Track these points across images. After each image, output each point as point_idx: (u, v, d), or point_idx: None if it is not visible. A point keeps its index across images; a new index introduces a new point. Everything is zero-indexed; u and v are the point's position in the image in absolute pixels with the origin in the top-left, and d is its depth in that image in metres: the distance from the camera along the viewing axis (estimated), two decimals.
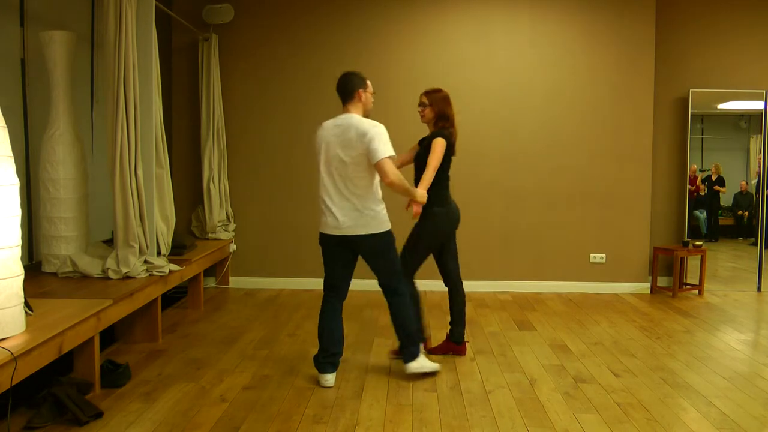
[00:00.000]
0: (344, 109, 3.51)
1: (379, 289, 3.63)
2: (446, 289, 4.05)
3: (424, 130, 4.06)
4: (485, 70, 6.05)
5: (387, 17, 6.04)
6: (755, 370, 3.83)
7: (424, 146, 3.85)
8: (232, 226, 6.07)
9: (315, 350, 4.06)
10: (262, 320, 4.87)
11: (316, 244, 3.63)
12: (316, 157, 3.51)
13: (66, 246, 4.12)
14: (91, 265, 4.03)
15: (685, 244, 6.08)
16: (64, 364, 3.32)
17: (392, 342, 4.35)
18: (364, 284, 6.11)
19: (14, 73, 4.16)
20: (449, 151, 3.81)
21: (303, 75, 6.02)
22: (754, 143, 6.60)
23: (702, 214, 6.78)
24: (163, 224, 4.55)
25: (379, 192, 3.50)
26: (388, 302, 3.63)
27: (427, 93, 3.93)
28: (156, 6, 4.38)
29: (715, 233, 6.87)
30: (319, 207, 3.51)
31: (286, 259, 6.09)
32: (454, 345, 4.04)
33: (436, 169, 3.72)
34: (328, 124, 3.49)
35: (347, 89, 3.49)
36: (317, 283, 6.00)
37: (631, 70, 6.04)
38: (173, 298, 5.45)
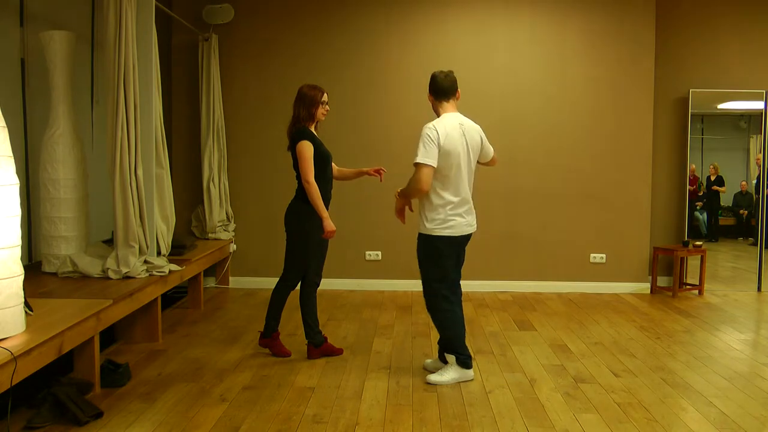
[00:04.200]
0: (446, 108, 3.54)
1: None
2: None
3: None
4: (485, 70, 6.05)
5: (387, 17, 6.04)
6: (755, 370, 3.83)
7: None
8: (232, 226, 6.07)
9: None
10: (262, 320, 4.85)
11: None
12: (447, 158, 3.42)
13: (66, 246, 4.12)
14: (91, 265, 4.03)
15: (685, 244, 6.08)
16: (64, 364, 3.31)
17: (392, 341, 4.36)
18: (363, 284, 6.14)
19: (14, 73, 4.17)
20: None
21: (303, 75, 6.00)
22: (754, 143, 6.60)
23: (702, 215, 6.79)
24: (163, 224, 4.55)
25: None
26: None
27: None
28: (156, 6, 4.38)
29: (715, 233, 6.88)
30: (455, 211, 3.49)
31: None
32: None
33: None
34: (454, 124, 3.48)
35: (455, 87, 3.56)
36: None
37: (631, 70, 6.03)
38: (173, 298, 5.45)
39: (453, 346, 3.57)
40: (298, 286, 3.97)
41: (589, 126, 6.07)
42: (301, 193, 3.85)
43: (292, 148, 3.81)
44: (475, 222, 3.65)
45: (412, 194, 3.54)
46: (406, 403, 3.24)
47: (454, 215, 3.49)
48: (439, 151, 3.38)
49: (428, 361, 3.81)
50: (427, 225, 3.50)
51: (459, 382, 3.54)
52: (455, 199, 3.49)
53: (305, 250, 3.86)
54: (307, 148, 3.72)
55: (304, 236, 3.84)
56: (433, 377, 3.54)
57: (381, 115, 6.05)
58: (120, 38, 3.93)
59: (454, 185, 3.47)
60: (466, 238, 3.62)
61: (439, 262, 3.55)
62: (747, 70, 6.25)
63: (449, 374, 3.55)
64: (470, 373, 3.59)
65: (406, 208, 3.67)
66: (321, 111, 3.85)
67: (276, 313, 3.96)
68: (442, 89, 3.53)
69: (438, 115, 3.54)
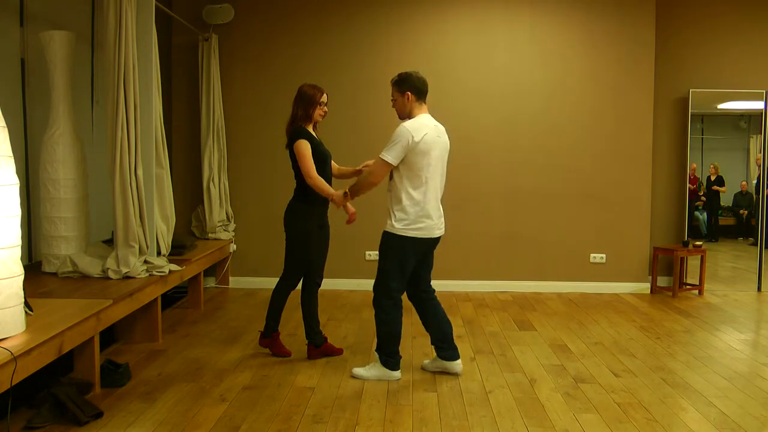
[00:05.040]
0: (423, 108, 3.54)
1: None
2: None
3: None
4: (485, 69, 6.05)
5: (387, 17, 6.04)
6: (755, 370, 3.83)
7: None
8: (232, 226, 6.07)
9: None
10: (262, 320, 4.85)
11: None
12: (423, 158, 3.42)
13: (66, 246, 4.12)
14: (91, 265, 4.03)
15: (685, 244, 6.08)
16: (64, 364, 3.31)
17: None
18: (363, 284, 6.14)
19: (14, 73, 4.17)
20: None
21: (303, 74, 5.99)
22: (754, 143, 6.60)
23: (702, 215, 6.79)
24: (163, 224, 4.55)
25: None
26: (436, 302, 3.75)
27: None
28: (156, 6, 4.38)
29: (715, 233, 6.88)
30: (425, 212, 3.46)
31: None
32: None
33: None
34: (430, 125, 3.48)
35: (426, 89, 3.56)
36: None
37: (631, 70, 6.03)
38: (173, 298, 5.45)
39: (385, 345, 3.59)
40: (299, 286, 3.97)
41: (589, 126, 6.07)
42: (300, 192, 3.84)
43: (290, 147, 3.80)
44: (443, 225, 3.62)
45: (364, 187, 3.57)
46: (406, 403, 3.24)
47: (423, 217, 3.46)
48: (414, 150, 3.38)
49: (426, 362, 3.81)
50: (396, 224, 3.46)
51: (384, 380, 3.58)
52: (426, 200, 3.46)
53: (305, 250, 3.85)
54: (304, 146, 3.71)
55: (303, 236, 3.83)
56: (358, 370, 3.61)
57: (381, 115, 6.03)
58: (120, 38, 3.93)
59: (426, 186, 3.45)
60: (435, 241, 3.59)
61: (401, 263, 3.52)
62: (747, 70, 6.25)
63: (374, 371, 3.60)
64: (395, 374, 3.60)
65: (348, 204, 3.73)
66: (318, 112, 3.83)
67: (276, 313, 3.96)
68: (422, 90, 3.52)
69: (411, 115, 3.51)
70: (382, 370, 3.59)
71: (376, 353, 3.68)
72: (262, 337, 4.02)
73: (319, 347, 3.95)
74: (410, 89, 3.49)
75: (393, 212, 3.49)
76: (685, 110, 6.26)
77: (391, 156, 3.39)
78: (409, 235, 3.46)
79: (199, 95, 5.92)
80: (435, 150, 3.45)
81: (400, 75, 3.54)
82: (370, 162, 3.82)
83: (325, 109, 3.87)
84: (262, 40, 6.06)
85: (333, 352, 4.00)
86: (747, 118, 6.66)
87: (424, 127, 3.43)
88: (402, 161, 3.41)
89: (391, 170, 3.47)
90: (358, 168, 3.99)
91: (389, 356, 3.59)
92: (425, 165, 3.42)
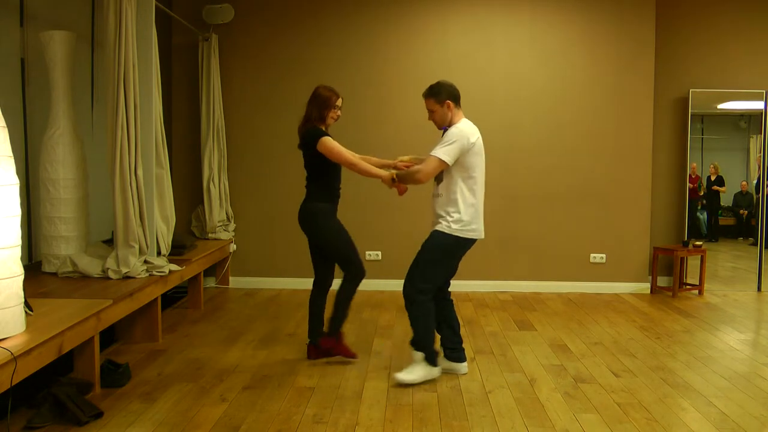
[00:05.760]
0: (461, 113, 3.59)
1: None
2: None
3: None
4: (485, 69, 6.05)
5: (387, 17, 6.04)
6: (755, 370, 3.83)
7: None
8: (232, 226, 6.07)
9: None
10: (262, 320, 4.87)
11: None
12: (477, 159, 3.49)
13: (66, 246, 4.11)
14: (91, 265, 4.03)
15: (685, 244, 6.08)
16: (64, 364, 3.32)
17: (392, 341, 4.36)
18: (363, 284, 6.13)
19: (14, 73, 4.16)
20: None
21: (303, 74, 6.02)
22: (754, 143, 6.60)
23: (702, 215, 6.79)
24: (163, 224, 4.55)
25: None
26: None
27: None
28: (156, 6, 4.38)
29: (715, 233, 6.88)
30: (477, 214, 3.52)
31: (286, 259, 6.08)
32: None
33: None
34: (474, 128, 3.55)
35: (459, 93, 3.59)
36: None
37: (631, 70, 6.04)
38: (173, 298, 5.45)
39: (426, 341, 3.57)
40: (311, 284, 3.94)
41: (589, 126, 6.07)
42: (314, 190, 3.81)
43: (305, 147, 3.76)
44: None
45: (411, 182, 3.57)
46: (406, 403, 3.24)
47: (477, 218, 3.52)
48: (471, 152, 3.44)
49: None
50: (453, 225, 3.47)
51: (429, 379, 3.55)
52: (478, 202, 3.53)
53: (343, 241, 3.83)
54: (330, 141, 3.68)
55: (334, 231, 3.82)
56: (402, 375, 3.51)
57: (380, 115, 6.04)
58: (120, 38, 3.93)
59: (478, 187, 3.52)
60: (473, 243, 3.64)
61: (446, 263, 3.58)
62: (747, 70, 6.25)
63: (418, 371, 3.54)
64: (436, 370, 3.59)
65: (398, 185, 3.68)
66: (332, 114, 3.80)
67: (341, 314, 3.90)
68: (458, 95, 3.57)
69: (453, 122, 3.53)
70: (427, 368, 3.56)
71: (415, 353, 3.58)
72: (325, 338, 3.90)
73: (319, 347, 3.92)
74: (449, 97, 3.53)
75: (448, 214, 3.49)
76: (685, 110, 6.26)
77: (449, 156, 3.41)
78: (464, 236, 3.49)
79: (199, 95, 5.92)
80: (483, 153, 3.55)
81: (432, 87, 3.56)
82: (405, 158, 3.87)
83: (339, 112, 3.84)
84: (262, 40, 6.06)
85: (344, 353, 3.90)
86: (747, 118, 6.66)
87: (475, 130, 3.52)
88: (457, 163, 3.44)
89: (441, 173, 3.50)
90: (390, 162, 3.94)
91: (431, 352, 3.58)
92: (478, 167, 3.49)
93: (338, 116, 3.85)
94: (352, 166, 3.70)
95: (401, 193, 3.73)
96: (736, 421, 3.05)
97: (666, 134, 6.31)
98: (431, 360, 3.57)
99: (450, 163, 3.42)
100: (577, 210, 6.10)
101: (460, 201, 3.47)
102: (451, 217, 3.48)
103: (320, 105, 3.77)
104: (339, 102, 3.81)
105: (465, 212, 3.47)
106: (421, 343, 3.57)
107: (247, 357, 3.97)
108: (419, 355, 3.55)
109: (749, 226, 6.75)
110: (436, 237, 3.53)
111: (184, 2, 5.98)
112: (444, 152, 3.41)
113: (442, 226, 3.50)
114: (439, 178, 3.54)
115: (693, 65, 6.26)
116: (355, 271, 3.86)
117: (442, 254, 3.55)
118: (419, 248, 3.61)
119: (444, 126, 3.57)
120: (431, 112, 3.59)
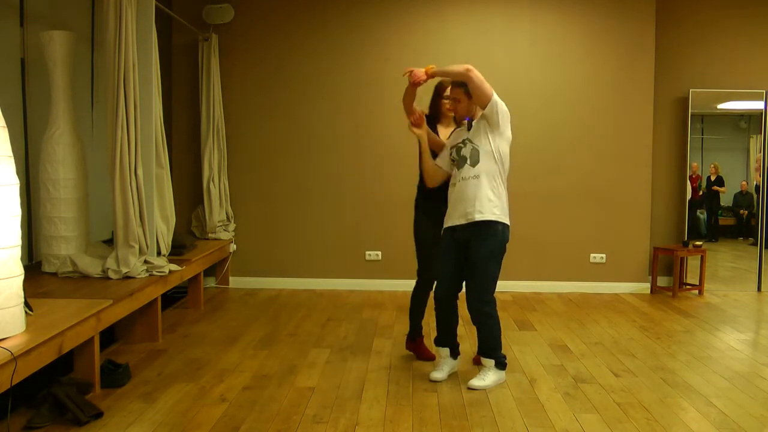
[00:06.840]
0: None
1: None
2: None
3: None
4: (485, 69, 5.94)
5: (387, 17, 6.04)
6: (755, 370, 3.83)
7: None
8: (232, 226, 6.07)
9: (315, 350, 4.10)
10: (262, 320, 4.87)
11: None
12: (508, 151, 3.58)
13: (66, 246, 4.11)
14: (91, 265, 4.03)
15: (685, 244, 6.08)
16: (64, 364, 3.31)
17: (392, 341, 4.36)
18: (363, 284, 6.14)
19: (14, 73, 4.17)
20: None
21: (303, 74, 6.02)
22: (754, 143, 6.60)
23: (702, 215, 6.79)
24: (163, 224, 4.55)
25: None
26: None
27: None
28: (156, 6, 4.38)
29: (715, 233, 6.87)
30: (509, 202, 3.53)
31: (286, 259, 6.08)
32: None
33: None
34: None
35: None
36: (317, 283, 6.02)
37: (631, 70, 6.03)
38: (173, 298, 5.45)
39: (498, 346, 3.55)
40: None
41: (589, 126, 6.07)
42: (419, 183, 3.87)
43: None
44: None
45: (455, 74, 3.44)
46: (406, 403, 3.24)
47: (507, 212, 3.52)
48: (509, 142, 3.54)
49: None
50: (498, 213, 3.41)
51: (495, 385, 3.52)
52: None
53: (418, 243, 3.87)
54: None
55: (415, 227, 3.90)
56: (476, 382, 3.46)
57: (381, 115, 6.04)
58: (120, 38, 3.93)
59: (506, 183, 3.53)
60: None
61: (501, 258, 3.50)
62: (747, 70, 6.25)
63: (491, 377, 3.50)
64: (504, 374, 3.59)
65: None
66: (446, 105, 3.80)
67: (416, 316, 3.94)
68: None
69: (474, 116, 3.54)
70: (499, 373, 3.54)
71: (486, 360, 3.54)
72: (408, 341, 4.02)
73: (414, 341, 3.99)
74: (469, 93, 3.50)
75: (491, 200, 3.41)
76: (685, 110, 6.26)
77: (501, 103, 3.44)
78: (509, 224, 3.49)
79: (199, 95, 5.91)
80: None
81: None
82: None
83: (448, 103, 3.76)
84: (262, 40, 6.06)
85: (422, 353, 3.95)
86: (747, 118, 6.65)
87: None
88: (500, 155, 3.45)
89: (478, 154, 3.42)
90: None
91: (501, 357, 3.57)
92: (509, 154, 3.54)
93: (450, 107, 3.75)
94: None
95: (415, 79, 3.61)
96: (736, 421, 3.04)
97: (666, 134, 6.31)
98: (502, 365, 3.56)
99: (497, 103, 3.41)
100: (577, 210, 6.10)
101: (502, 190, 3.47)
102: (493, 204, 3.40)
103: (434, 96, 3.87)
104: (447, 92, 3.77)
105: (505, 200, 3.48)
106: (491, 350, 3.54)
107: (247, 357, 3.97)
108: (490, 361, 3.54)
109: (749, 226, 6.75)
110: (496, 234, 3.41)
111: (184, 2, 5.98)
112: (497, 97, 3.40)
113: (496, 215, 3.39)
114: (475, 159, 3.43)
115: (693, 65, 6.26)
116: (421, 277, 3.92)
117: (498, 249, 3.45)
118: (473, 254, 3.43)
119: (467, 117, 3.53)
120: (456, 102, 3.53)
